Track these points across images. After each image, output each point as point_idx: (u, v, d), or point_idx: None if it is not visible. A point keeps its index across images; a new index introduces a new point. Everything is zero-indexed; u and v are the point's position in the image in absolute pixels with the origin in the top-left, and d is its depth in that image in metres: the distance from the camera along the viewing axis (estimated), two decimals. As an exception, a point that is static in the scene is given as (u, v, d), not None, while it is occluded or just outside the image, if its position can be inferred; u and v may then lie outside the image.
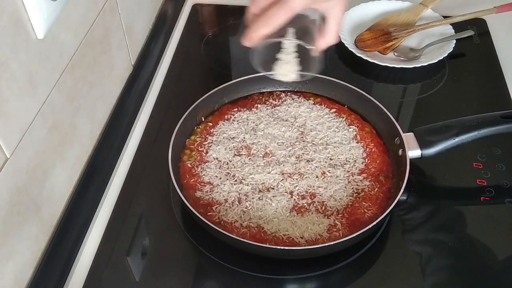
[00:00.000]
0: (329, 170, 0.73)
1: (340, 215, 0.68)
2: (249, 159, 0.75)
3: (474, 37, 1.01)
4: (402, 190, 0.66)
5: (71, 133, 0.69)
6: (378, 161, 0.75)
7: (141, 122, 0.86)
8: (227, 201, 0.69)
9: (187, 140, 0.78)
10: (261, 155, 0.75)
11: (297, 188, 0.71)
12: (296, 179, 0.72)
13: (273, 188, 0.71)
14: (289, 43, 0.61)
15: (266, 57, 0.62)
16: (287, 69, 0.63)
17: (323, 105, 0.83)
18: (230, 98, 0.85)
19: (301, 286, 0.67)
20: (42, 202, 0.62)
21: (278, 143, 0.77)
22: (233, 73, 0.98)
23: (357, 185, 0.71)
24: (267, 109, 0.83)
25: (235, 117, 0.81)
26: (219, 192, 0.70)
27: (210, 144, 0.77)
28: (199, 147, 0.77)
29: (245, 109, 0.83)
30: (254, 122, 0.80)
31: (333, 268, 0.66)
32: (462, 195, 0.76)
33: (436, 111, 0.88)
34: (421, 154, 0.72)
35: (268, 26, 0.53)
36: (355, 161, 0.74)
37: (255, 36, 0.54)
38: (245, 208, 0.68)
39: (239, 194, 0.70)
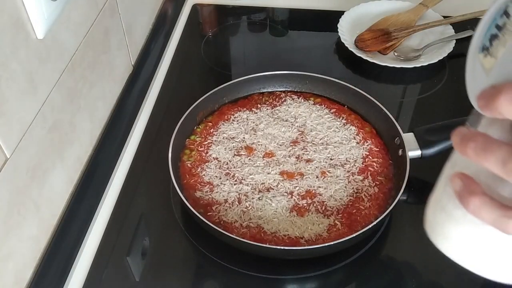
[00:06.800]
0: (329, 170, 0.73)
1: (340, 215, 0.68)
2: (249, 159, 0.75)
3: (474, 37, 1.01)
4: (402, 190, 0.66)
5: (71, 133, 0.69)
6: (378, 161, 0.75)
7: (141, 122, 0.86)
8: (227, 201, 0.69)
9: (187, 140, 0.78)
10: (261, 155, 0.75)
11: (297, 188, 0.71)
12: (296, 179, 0.72)
13: (273, 188, 0.71)
14: None
15: None
16: None
17: (323, 105, 0.83)
18: (230, 98, 0.85)
19: (301, 286, 0.67)
20: (42, 202, 0.62)
21: (278, 143, 0.77)
22: (233, 73, 0.98)
23: (357, 185, 0.71)
24: (267, 109, 0.83)
25: (235, 117, 0.81)
26: (219, 192, 0.70)
27: (210, 144, 0.77)
28: (199, 147, 0.77)
29: (245, 109, 0.83)
30: (254, 122, 0.80)
31: (333, 268, 0.66)
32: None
33: (436, 111, 0.88)
34: (421, 154, 0.72)
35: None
36: (355, 161, 0.74)
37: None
38: (245, 208, 0.68)
39: (239, 194, 0.70)
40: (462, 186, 0.33)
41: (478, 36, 0.33)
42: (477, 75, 0.33)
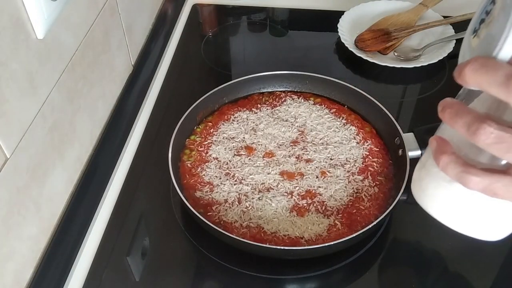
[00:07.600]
0: (329, 170, 0.73)
1: (340, 215, 0.68)
2: (249, 159, 0.75)
3: (474, 37, 1.01)
4: (402, 190, 0.66)
5: (71, 133, 0.69)
6: (378, 161, 0.75)
7: (141, 122, 0.86)
8: (227, 201, 0.69)
9: (187, 140, 0.78)
10: (261, 155, 0.75)
11: (297, 188, 0.71)
12: (296, 179, 0.72)
13: (273, 188, 0.71)
14: None
15: None
16: None
17: (323, 105, 0.83)
18: (230, 98, 0.85)
19: (301, 286, 0.67)
20: (42, 202, 0.62)
21: (278, 143, 0.77)
22: (233, 73, 0.98)
23: (357, 185, 0.71)
24: (267, 109, 0.83)
25: (235, 117, 0.81)
26: (219, 192, 0.70)
27: (210, 144, 0.77)
28: (199, 147, 0.77)
29: (245, 109, 0.83)
30: (254, 122, 0.80)
31: (333, 268, 0.66)
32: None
33: (436, 111, 0.88)
34: (421, 154, 0.72)
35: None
36: (355, 161, 0.74)
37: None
38: (245, 208, 0.68)
39: (239, 194, 0.70)
40: (437, 146, 0.38)
41: (473, 21, 0.39)
42: (465, 54, 0.38)
